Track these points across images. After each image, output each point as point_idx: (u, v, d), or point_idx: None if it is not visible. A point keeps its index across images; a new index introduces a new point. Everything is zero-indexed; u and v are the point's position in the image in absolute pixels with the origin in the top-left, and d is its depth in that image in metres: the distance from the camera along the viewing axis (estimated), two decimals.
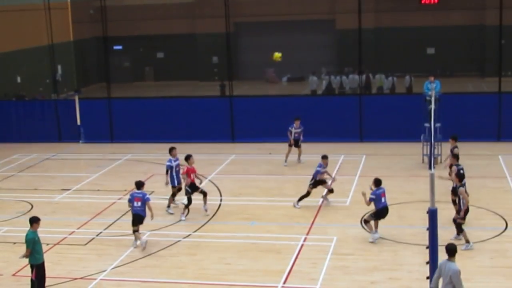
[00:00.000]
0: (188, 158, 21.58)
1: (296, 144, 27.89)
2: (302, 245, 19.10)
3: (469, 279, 16.47)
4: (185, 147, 31.38)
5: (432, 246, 13.26)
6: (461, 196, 18.30)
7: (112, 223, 21.26)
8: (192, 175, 21.36)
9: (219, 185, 25.08)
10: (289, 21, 44.71)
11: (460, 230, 18.44)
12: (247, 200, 23.54)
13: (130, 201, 19.25)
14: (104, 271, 17.69)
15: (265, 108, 32.75)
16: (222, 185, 24.98)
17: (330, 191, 22.41)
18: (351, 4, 34.30)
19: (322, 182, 22.30)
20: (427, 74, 28.56)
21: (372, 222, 19.09)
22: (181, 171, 21.94)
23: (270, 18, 43.92)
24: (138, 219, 19.11)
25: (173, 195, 22.40)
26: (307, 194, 22.20)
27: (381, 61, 43.21)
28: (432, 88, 26.37)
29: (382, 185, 19.19)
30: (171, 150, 22.32)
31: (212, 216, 21.82)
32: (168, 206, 22.29)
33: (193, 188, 21.40)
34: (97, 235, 20.40)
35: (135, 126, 33.51)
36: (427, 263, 13.45)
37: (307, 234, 19.99)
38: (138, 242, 19.09)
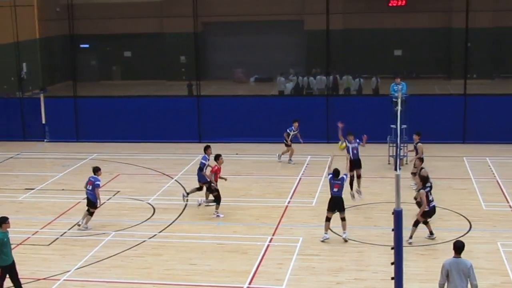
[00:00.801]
0: (217, 157, 21.98)
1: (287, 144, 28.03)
2: (268, 246, 19.09)
3: (434, 279, 16.55)
4: (152, 146, 31.38)
5: (397, 247, 13.28)
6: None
7: (77, 223, 21.04)
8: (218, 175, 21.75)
9: (186, 185, 24.95)
10: (257, 22, 44.66)
11: (415, 225, 18.87)
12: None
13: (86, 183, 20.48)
14: (68, 271, 17.51)
15: (232, 108, 32.72)
16: (188, 185, 24.86)
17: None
18: (320, 5, 34.37)
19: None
20: (394, 75, 28.69)
21: (327, 224, 19.18)
22: (208, 170, 21.87)
23: (238, 18, 43.85)
24: (88, 202, 20.43)
25: (200, 189, 22.54)
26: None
27: (349, 63, 43.33)
28: (398, 89, 26.48)
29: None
30: (206, 148, 22.67)
31: (178, 216, 21.72)
32: (207, 198, 22.24)
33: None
34: (61, 235, 20.19)
35: (101, 125, 33.24)
36: (392, 263, 13.47)
37: (273, 234, 19.98)
38: (82, 221, 20.46)
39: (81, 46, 47.57)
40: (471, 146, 30.51)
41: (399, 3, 44.15)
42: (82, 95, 34.68)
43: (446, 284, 13.37)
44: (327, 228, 19.21)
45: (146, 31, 47.64)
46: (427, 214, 18.89)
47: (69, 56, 37.25)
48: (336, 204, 19.11)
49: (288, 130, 27.90)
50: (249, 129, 32.09)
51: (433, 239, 19.08)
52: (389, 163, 27.48)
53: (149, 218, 21.65)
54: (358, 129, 29.18)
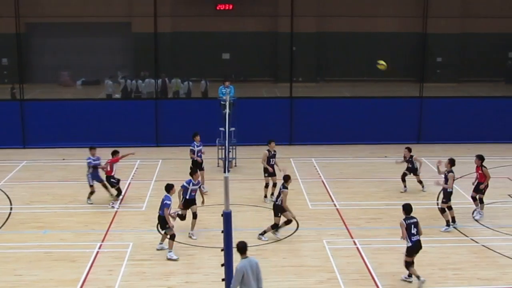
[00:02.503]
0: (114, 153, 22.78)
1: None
2: (97, 253, 18.71)
3: (264, 278, 16.79)
4: None
5: (227, 248, 13.42)
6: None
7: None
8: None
9: (9, 192, 24.01)
10: (84, 23, 43.66)
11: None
12: (40, 208, 22.71)
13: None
14: None
15: (58, 112, 31.80)
16: (12, 192, 23.94)
17: None
18: (147, 7, 34.17)
19: None
20: (223, 79, 28.99)
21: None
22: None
23: (64, 20, 42.67)
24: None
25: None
26: None
27: (178, 66, 43.30)
28: (227, 92, 26.77)
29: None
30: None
31: (1, 226, 20.84)
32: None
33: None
34: None
35: None
36: (222, 265, 13.59)
37: (103, 241, 19.62)
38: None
39: None
40: (298, 147, 31.39)
41: (227, 7, 44.64)
42: None
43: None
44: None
45: None
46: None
47: None
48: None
49: (191, 146, 24.41)
50: (76, 133, 31.33)
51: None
52: (218, 166, 27.72)
53: None
54: (187, 132, 29.41)
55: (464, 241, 19.68)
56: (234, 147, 27.40)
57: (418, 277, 16.50)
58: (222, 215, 13.49)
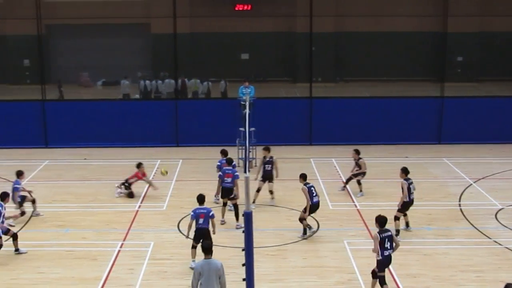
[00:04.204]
0: (139, 165, 23.87)
1: None
2: (118, 251, 18.82)
3: (283, 279, 16.94)
4: None
5: (248, 248, 13.43)
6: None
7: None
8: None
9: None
10: (104, 25, 43.89)
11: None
12: (61, 206, 22.88)
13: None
14: None
15: (80, 113, 32.02)
16: (35, 191, 24.07)
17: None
18: (166, 8, 34.28)
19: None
20: (242, 79, 29.03)
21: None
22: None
23: (84, 21, 42.93)
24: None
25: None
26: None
27: (197, 66, 43.41)
28: (246, 93, 26.81)
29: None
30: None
31: (25, 224, 21.01)
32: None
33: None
34: None
35: None
36: (243, 265, 13.61)
37: (124, 240, 19.73)
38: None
39: None
40: (318, 147, 31.38)
41: (245, 7, 44.71)
42: None
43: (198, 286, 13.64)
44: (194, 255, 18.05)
45: None
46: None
47: None
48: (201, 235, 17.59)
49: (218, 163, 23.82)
50: (97, 133, 31.53)
51: (410, 230, 20.04)
52: (238, 166, 27.75)
53: None
54: (207, 132, 29.61)
55: (486, 243, 19.57)
56: (254, 147, 27.44)
57: None
58: (242, 215, 13.54)
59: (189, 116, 31.73)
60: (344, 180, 24.80)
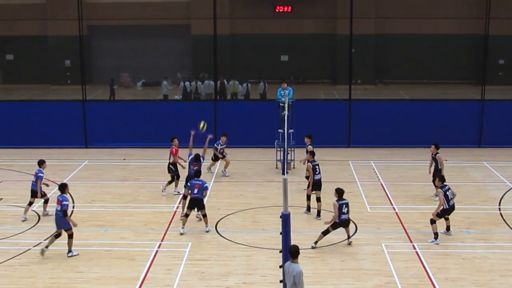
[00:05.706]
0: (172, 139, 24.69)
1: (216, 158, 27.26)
2: (156, 252, 18.92)
3: (321, 281, 16.88)
4: (36, 152, 30.43)
5: (285, 250, 13.42)
6: None
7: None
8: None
9: (72, 191, 24.37)
10: (144, 26, 44.30)
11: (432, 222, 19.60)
12: (100, 206, 23.08)
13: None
14: None
15: (120, 113, 32.27)
16: (74, 191, 24.33)
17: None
18: (207, 10, 34.39)
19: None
20: (281, 81, 29.02)
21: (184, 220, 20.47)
22: None
23: (125, 22, 43.32)
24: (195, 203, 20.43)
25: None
26: None
27: (236, 67, 43.56)
28: (285, 94, 26.77)
29: None
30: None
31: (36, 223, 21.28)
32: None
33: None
34: None
35: None
36: (281, 266, 13.61)
37: (162, 240, 19.83)
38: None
39: None
40: (356, 150, 31.24)
41: (285, 9, 44.75)
42: None
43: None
44: (184, 223, 20.37)
45: (29, 34, 46.29)
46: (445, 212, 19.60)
47: None
48: (194, 204, 20.41)
49: (215, 145, 26.99)
50: (137, 134, 31.76)
51: (450, 235, 19.98)
52: (276, 167, 27.77)
53: (33, 226, 21.07)
54: (246, 133, 29.61)
55: None
56: (292, 149, 27.40)
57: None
58: (280, 216, 13.52)
59: (227, 117, 31.76)
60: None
